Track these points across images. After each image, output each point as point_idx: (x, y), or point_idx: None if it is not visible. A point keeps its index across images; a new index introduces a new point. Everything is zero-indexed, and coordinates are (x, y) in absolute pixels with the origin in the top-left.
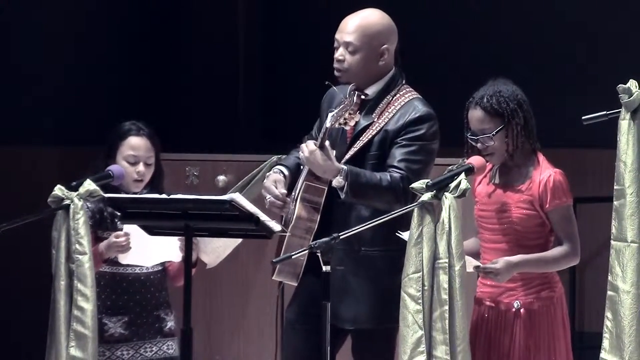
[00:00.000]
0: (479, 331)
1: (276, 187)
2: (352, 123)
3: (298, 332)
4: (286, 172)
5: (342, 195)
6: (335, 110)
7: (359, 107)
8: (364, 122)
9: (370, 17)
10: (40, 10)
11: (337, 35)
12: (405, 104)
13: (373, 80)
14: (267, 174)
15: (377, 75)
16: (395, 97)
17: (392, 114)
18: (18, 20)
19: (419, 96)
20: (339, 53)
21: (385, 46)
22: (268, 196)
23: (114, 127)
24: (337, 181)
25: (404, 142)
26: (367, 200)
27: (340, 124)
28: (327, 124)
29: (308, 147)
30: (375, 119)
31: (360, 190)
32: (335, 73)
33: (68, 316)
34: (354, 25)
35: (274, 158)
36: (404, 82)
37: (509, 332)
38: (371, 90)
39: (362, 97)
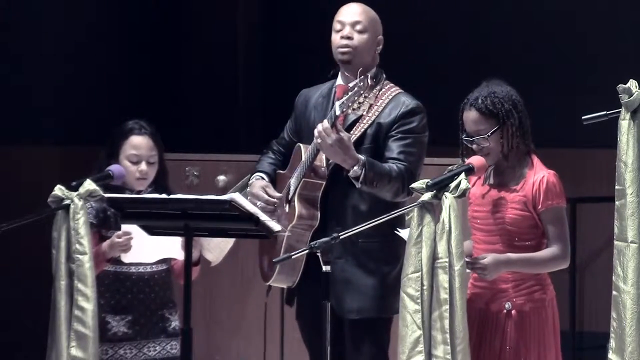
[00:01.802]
0: (470, 332)
1: (266, 192)
2: (365, 107)
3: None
4: (267, 178)
5: (358, 185)
6: (344, 98)
7: (371, 90)
8: (353, 116)
9: (370, 8)
10: (42, 11)
11: (342, 18)
12: (394, 98)
13: (365, 70)
14: (250, 182)
15: (370, 65)
16: (381, 92)
17: (382, 107)
18: (19, 20)
19: (403, 91)
20: (347, 31)
21: (380, 37)
22: (258, 203)
23: (116, 126)
24: (354, 171)
25: (399, 135)
26: (378, 190)
27: (353, 109)
28: (337, 112)
29: (332, 135)
30: (365, 113)
31: (374, 180)
32: (341, 51)
33: (69, 316)
34: (360, 9)
35: None
36: (385, 77)
37: (499, 333)
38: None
39: (373, 79)
